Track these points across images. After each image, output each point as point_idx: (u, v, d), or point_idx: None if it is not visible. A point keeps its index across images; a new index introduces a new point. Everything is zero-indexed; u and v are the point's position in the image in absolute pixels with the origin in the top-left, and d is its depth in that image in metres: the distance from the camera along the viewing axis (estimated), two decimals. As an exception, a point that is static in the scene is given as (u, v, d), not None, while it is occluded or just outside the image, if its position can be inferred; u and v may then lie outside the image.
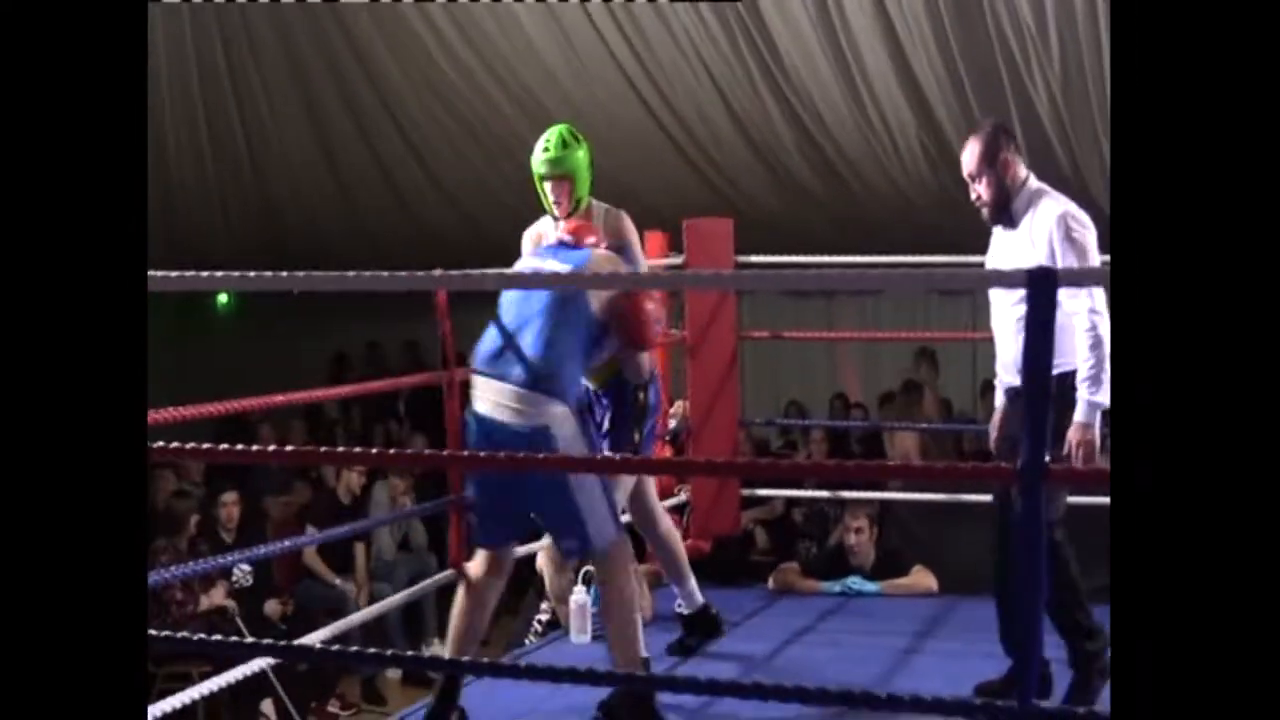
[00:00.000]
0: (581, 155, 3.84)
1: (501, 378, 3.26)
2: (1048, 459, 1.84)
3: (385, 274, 2.52)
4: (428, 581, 4.48)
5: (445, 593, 4.46)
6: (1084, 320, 3.18)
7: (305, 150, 8.60)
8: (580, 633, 4.43)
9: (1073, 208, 3.35)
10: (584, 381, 4.00)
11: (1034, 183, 3.44)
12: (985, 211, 3.42)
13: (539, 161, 3.80)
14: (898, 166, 7.37)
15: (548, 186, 3.81)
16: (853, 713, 2.82)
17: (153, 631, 3.69)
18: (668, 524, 4.20)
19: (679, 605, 4.26)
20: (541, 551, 4.58)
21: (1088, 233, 3.29)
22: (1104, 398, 3.22)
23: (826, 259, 4.99)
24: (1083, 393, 3.26)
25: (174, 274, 2.45)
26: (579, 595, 4.46)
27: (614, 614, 3.39)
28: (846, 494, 5.20)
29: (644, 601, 4.72)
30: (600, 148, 7.77)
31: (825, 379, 9.24)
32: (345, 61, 8.02)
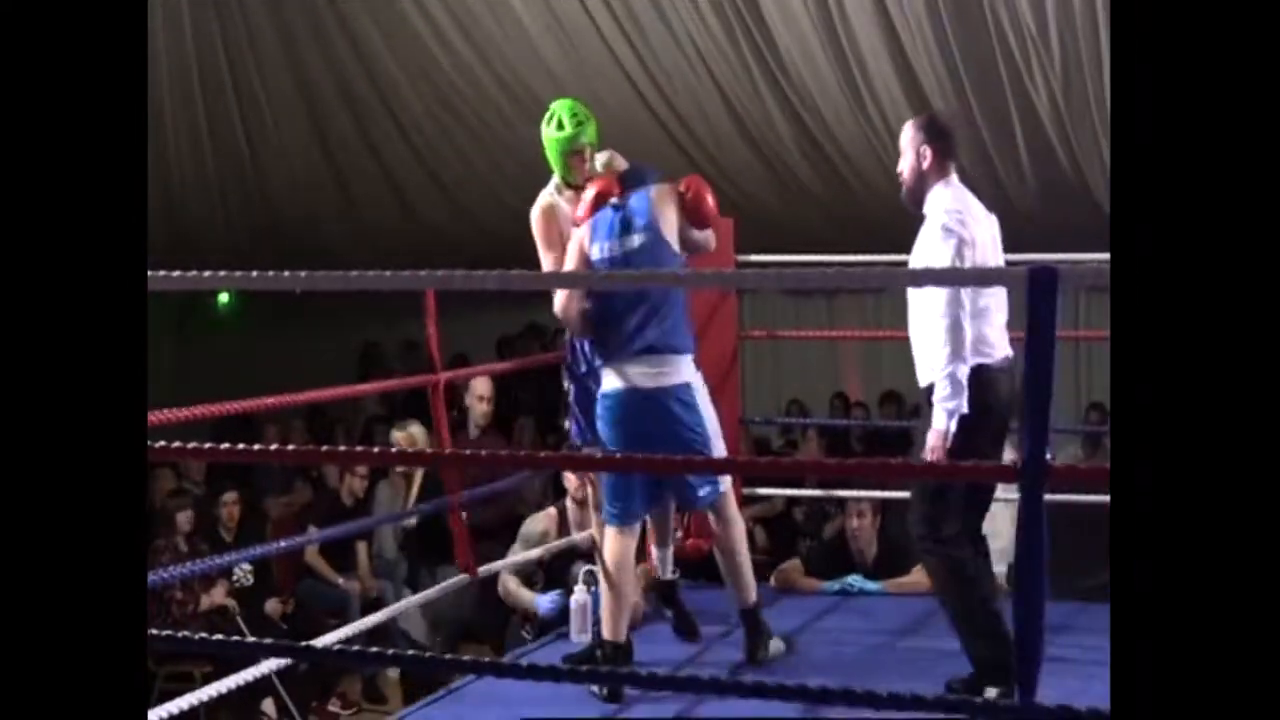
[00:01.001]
0: (593, 129, 4.07)
1: (644, 351, 3.66)
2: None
3: (386, 273, 2.51)
4: (438, 586, 4.47)
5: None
6: (939, 321, 3.28)
7: (304, 148, 8.59)
8: (581, 632, 4.43)
9: (952, 204, 3.45)
10: None
11: (957, 183, 3.55)
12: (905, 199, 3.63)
13: (564, 138, 3.99)
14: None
15: (574, 159, 4.00)
16: (853, 711, 2.81)
17: (154, 631, 3.71)
18: None
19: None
20: (501, 587, 4.61)
21: (964, 230, 3.38)
22: (954, 403, 3.29)
23: (827, 258, 4.99)
24: (938, 396, 3.32)
25: (174, 274, 2.45)
26: (579, 595, 4.46)
27: (733, 552, 3.87)
28: (846, 493, 5.19)
29: (637, 600, 4.73)
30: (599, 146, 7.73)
31: (826, 378, 9.24)
32: (344, 57, 8.01)
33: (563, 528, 4.80)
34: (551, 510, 4.85)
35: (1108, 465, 3.14)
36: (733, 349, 5.14)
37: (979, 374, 3.35)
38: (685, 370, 3.74)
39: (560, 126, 3.96)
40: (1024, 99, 6.66)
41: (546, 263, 3.97)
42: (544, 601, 4.54)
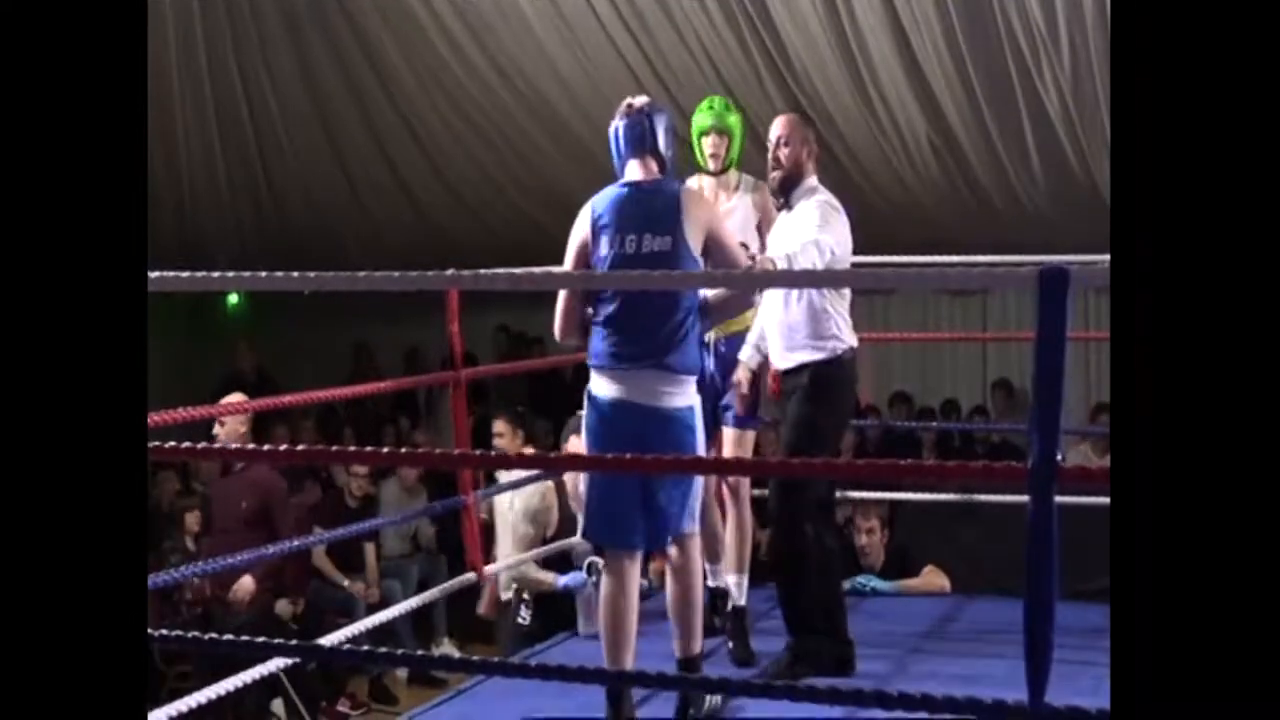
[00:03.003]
0: (738, 120, 4.14)
1: (642, 363, 3.29)
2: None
3: (395, 274, 2.51)
4: (446, 585, 4.47)
5: (456, 592, 4.47)
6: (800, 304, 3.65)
7: (315, 150, 8.61)
8: (588, 624, 4.42)
9: (825, 192, 3.75)
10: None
11: (814, 181, 3.80)
12: (773, 177, 3.82)
13: (703, 114, 4.11)
14: (907, 167, 7.35)
15: (708, 141, 4.08)
16: (862, 711, 2.81)
17: (163, 631, 3.71)
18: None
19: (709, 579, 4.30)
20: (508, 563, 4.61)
21: (838, 215, 3.68)
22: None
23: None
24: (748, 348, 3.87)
25: (183, 274, 2.45)
26: (586, 589, 4.46)
27: (693, 590, 3.45)
28: (855, 494, 5.19)
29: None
30: (606, 146, 7.74)
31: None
32: (354, 59, 8.03)
33: (561, 504, 4.79)
34: (549, 483, 4.82)
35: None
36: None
37: (838, 361, 3.70)
38: (692, 392, 3.41)
39: (698, 111, 4.13)
40: (1034, 100, 6.65)
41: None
42: (565, 580, 4.53)
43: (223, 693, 3.20)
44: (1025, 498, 1.93)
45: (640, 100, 3.50)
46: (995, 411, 8.02)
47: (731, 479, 4.08)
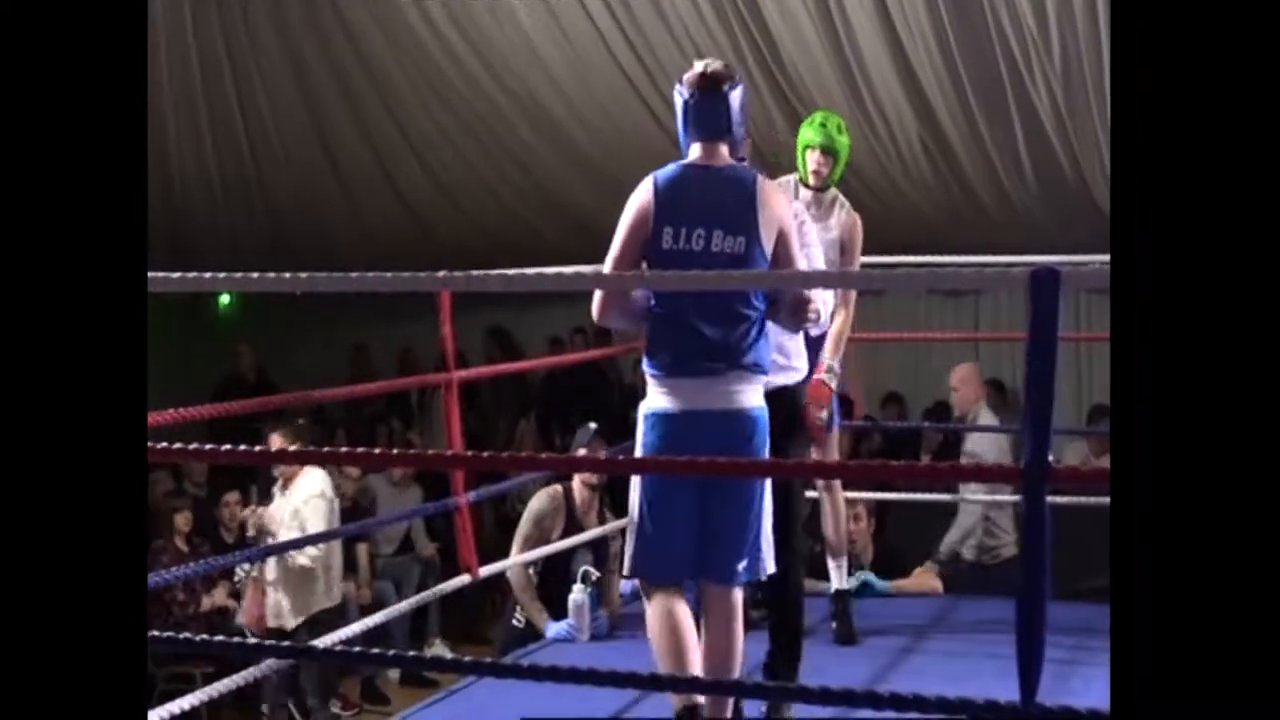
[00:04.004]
0: (846, 142, 4.16)
1: (718, 367, 2.92)
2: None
3: (387, 275, 2.51)
4: (442, 587, 4.45)
5: (451, 595, 4.46)
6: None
7: (307, 148, 8.60)
8: (580, 631, 4.43)
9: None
10: None
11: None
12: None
13: (814, 130, 4.11)
14: (898, 167, 7.36)
15: (813, 157, 4.09)
16: (854, 711, 2.81)
17: (154, 632, 3.70)
18: None
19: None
20: (510, 575, 4.59)
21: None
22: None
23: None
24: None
25: (175, 274, 2.45)
26: (577, 595, 4.46)
27: (734, 654, 3.02)
28: (852, 494, 5.19)
29: (616, 600, 4.73)
30: (599, 147, 7.77)
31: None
32: (345, 58, 8.02)
33: (568, 511, 4.78)
34: (557, 487, 4.82)
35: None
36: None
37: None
38: (759, 393, 3.01)
39: (809, 124, 4.13)
40: (1025, 100, 6.66)
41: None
42: (554, 629, 4.52)
43: (214, 695, 3.20)
44: (1016, 498, 1.94)
45: (715, 66, 3.05)
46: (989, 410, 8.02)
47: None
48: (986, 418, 5.87)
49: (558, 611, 4.54)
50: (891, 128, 7.11)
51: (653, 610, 3.00)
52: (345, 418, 9.31)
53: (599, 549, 4.71)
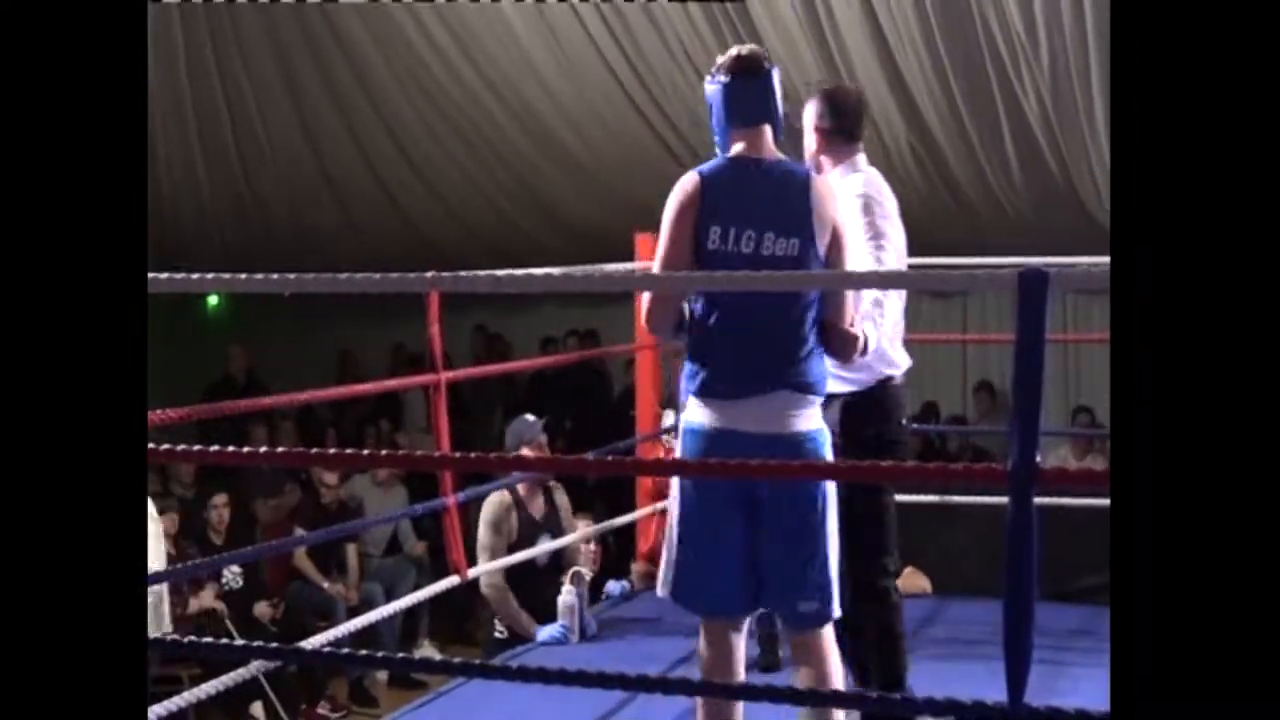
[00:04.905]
0: None
1: (767, 386, 2.65)
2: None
3: (377, 275, 2.51)
4: (431, 589, 4.45)
5: (439, 596, 4.45)
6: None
7: (295, 151, 8.60)
8: (572, 632, 4.43)
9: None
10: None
11: (864, 163, 3.35)
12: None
13: None
14: (887, 170, 7.37)
15: None
16: (846, 713, 2.82)
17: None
18: None
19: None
20: (483, 579, 4.58)
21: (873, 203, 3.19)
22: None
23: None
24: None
25: (165, 275, 2.44)
26: (567, 596, 4.47)
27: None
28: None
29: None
30: (590, 149, 7.77)
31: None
32: (335, 62, 8.02)
33: (517, 507, 4.79)
34: (502, 493, 4.81)
35: (1096, 468, 3.20)
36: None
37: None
38: (814, 415, 2.72)
39: None
40: (1013, 103, 6.68)
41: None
42: (545, 633, 4.52)
43: (202, 697, 3.20)
44: (1005, 499, 1.94)
45: (748, 49, 2.82)
46: (978, 413, 8.05)
47: None
48: None
49: (539, 615, 4.55)
50: (880, 131, 7.13)
51: (701, 644, 2.79)
52: (333, 418, 9.31)
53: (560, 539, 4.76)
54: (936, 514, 5.83)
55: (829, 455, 2.74)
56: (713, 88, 2.81)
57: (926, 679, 3.55)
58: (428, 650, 7.08)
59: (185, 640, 4.67)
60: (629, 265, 5.02)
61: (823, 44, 6.75)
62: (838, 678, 2.70)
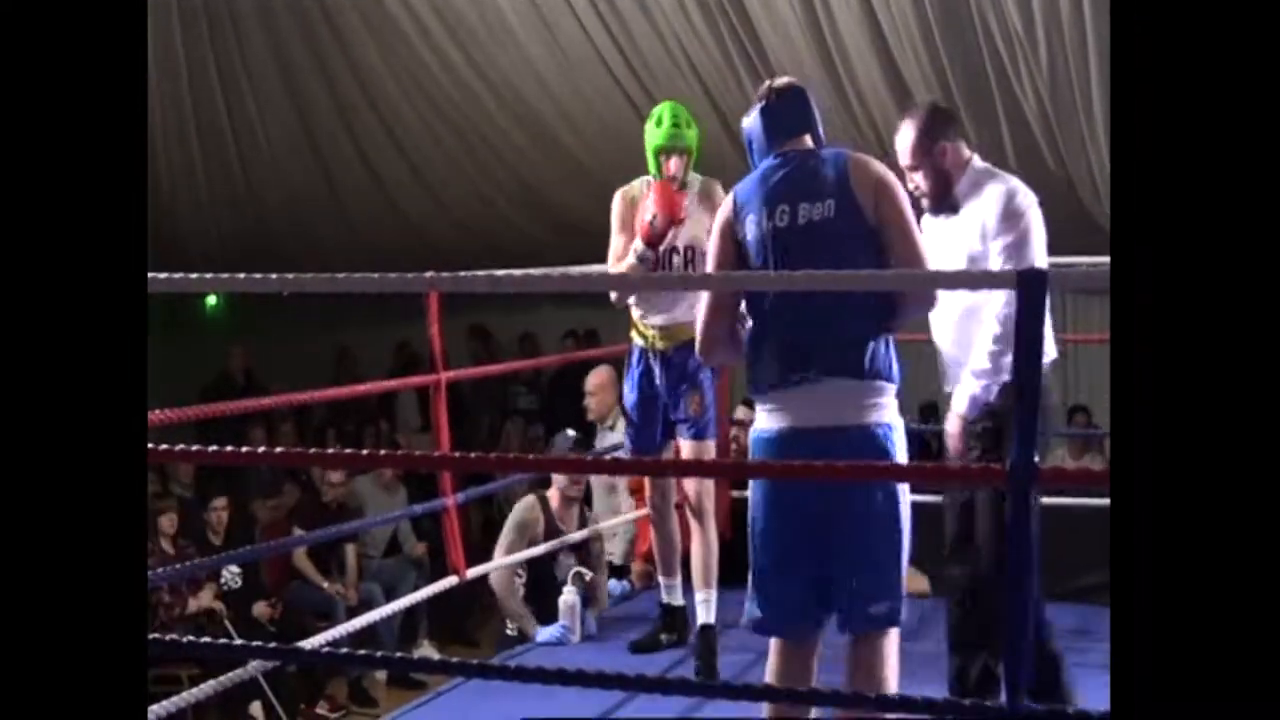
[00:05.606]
0: (694, 135, 3.90)
1: (826, 372, 2.54)
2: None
3: (375, 275, 2.51)
4: (430, 589, 4.45)
5: (438, 596, 4.45)
6: (997, 309, 2.99)
7: (295, 151, 8.59)
8: (571, 632, 4.43)
9: (1017, 185, 3.20)
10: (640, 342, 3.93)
11: (979, 163, 3.26)
12: (925, 203, 3.21)
13: (662, 135, 3.84)
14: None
15: (670, 161, 3.83)
16: (844, 714, 2.81)
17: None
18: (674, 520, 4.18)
19: (663, 596, 4.24)
20: (493, 573, 4.58)
21: (1030, 212, 3.13)
22: (985, 393, 3.04)
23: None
24: (970, 383, 3.09)
25: (163, 275, 2.44)
26: (568, 596, 4.46)
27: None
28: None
29: (604, 601, 4.74)
30: (586, 146, 7.77)
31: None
32: (334, 60, 8.02)
33: (547, 520, 4.79)
34: (534, 498, 4.83)
35: (1094, 467, 3.19)
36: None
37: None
38: (887, 405, 2.59)
39: (658, 124, 3.85)
40: (1011, 103, 6.68)
41: (612, 246, 3.89)
42: (544, 633, 4.52)
43: (201, 697, 3.20)
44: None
45: (782, 81, 2.84)
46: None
47: (694, 495, 3.95)
48: (623, 425, 5.53)
49: (546, 617, 4.55)
50: (877, 127, 7.13)
51: (770, 668, 2.67)
52: (331, 419, 9.30)
53: (582, 552, 4.73)
54: (936, 514, 5.81)
55: (900, 449, 2.61)
56: (749, 118, 2.80)
57: (925, 679, 3.55)
58: (427, 650, 7.07)
59: (184, 640, 4.66)
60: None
61: (822, 44, 6.75)
62: (894, 682, 2.60)
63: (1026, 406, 1.88)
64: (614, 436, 5.37)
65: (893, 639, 2.62)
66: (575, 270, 4.43)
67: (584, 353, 7.46)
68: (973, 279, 3.11)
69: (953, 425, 3.14)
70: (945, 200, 3.21)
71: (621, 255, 3.84)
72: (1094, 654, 3.57)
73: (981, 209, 3.16)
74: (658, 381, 3.92)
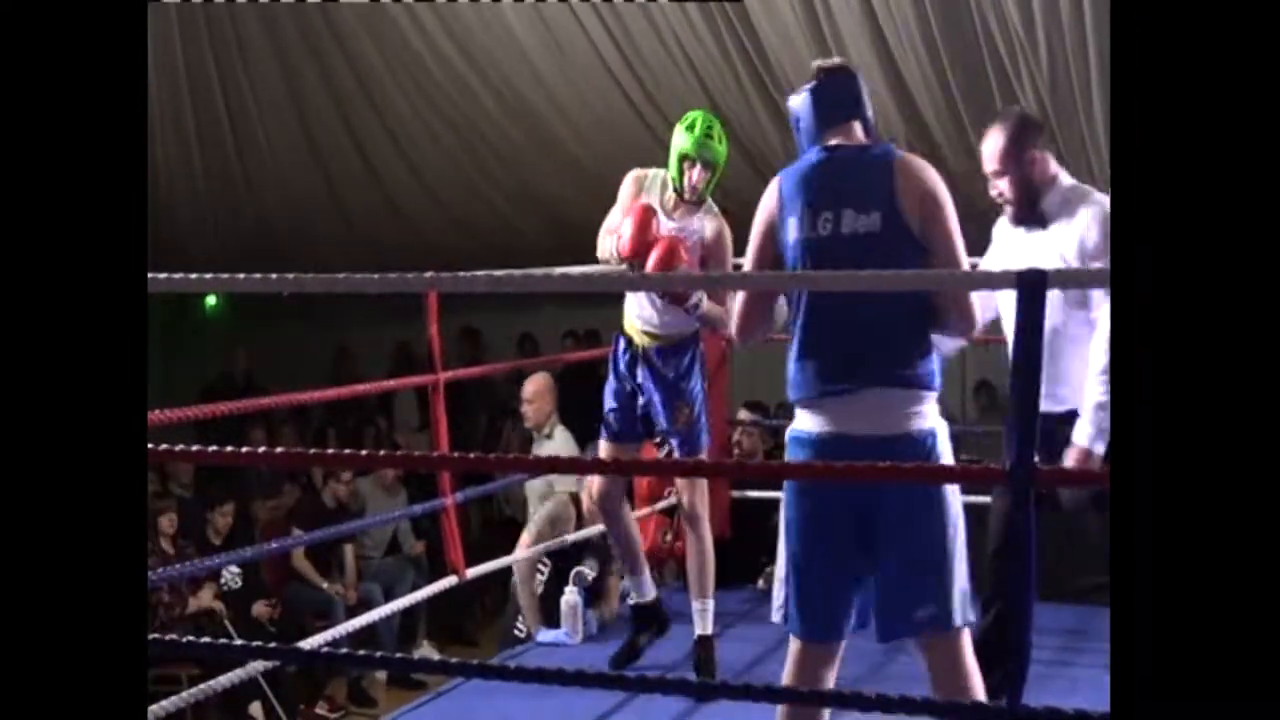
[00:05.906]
0: (724, 150, 3.78)
1: (869, 380, 2.52)
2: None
3: (374, 276, 2.50)
4: (429, 589, 4.44)
5: (438, 596, 4.45)
6: (1101, 337, 2.96)
7: (294, 151, 8.59)
8: (574, 633, 4.43)
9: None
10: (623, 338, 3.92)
11: (1067, 179, 3.18)
12: (1009, 210, 3.17)
13: (691, 142, 3.72)
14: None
15: (694, 170, 3.72)
16: (842, 714, 2.81)
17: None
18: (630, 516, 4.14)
19: (631, 597, 4.20)
20: (517, 563, 4.59)
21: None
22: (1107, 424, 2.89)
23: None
24: (1090, 417, 2.98)
25: (163, 275, 2.44)
26: (570, 596, 4.47)
27: None
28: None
29: (615, 603, 4.74)
30: (586, 148, 7.77)
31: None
32: (334, 60, 8.02)
33: (578, 524, 4.82)
34: (567, 496, 4.87)
35: (1093, 468, 3.14)
36: (722, 351, 5.14)
37: None
38: (929, 413, 2.56)
39: (689, 129, 3.73)
40: (1010, 102, 6.67)
41: (609, 218, 3.80)
42: (546, 634, 4.53)
43: (201, 697, 3.20)
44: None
45: (832, 61, 2.80)
46: (978, 413, 8.04)
47: (688, 502, 3.95)
48: (560, 433, 5.38)
49: (556, 616, 4.55)
50: (879, 130, 7.13)
51: (787, 670, 2.63)
52: (330, 419, 9.30)
53: (603, 552, 4.73)
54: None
55: (946, 453, 2.56)
56: (798, 98, 2.75)
57: (925, 680, 3.55)
58: (426, 650, 7.08)
59: (184, 640, 4.66)
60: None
61: (821, 44, 6.74)
62: (978, 689, 2.52)
63: (1025, 407, 1.88)
64: (551, 445, 5.29)
65: (961, 642, 2.53)
66: (575, 270, 4.43)
67: (584, 353, 7.46)
68: (972, 280, 3.10)
69: (1077, 460, 2.98)
70: (1031, 211, 3.16)
71: (614, 230, 3.74)
72: (1094, 654, 3.57)
73: (1078, 227, 3.08)
74: (640, 377, 3.87)
